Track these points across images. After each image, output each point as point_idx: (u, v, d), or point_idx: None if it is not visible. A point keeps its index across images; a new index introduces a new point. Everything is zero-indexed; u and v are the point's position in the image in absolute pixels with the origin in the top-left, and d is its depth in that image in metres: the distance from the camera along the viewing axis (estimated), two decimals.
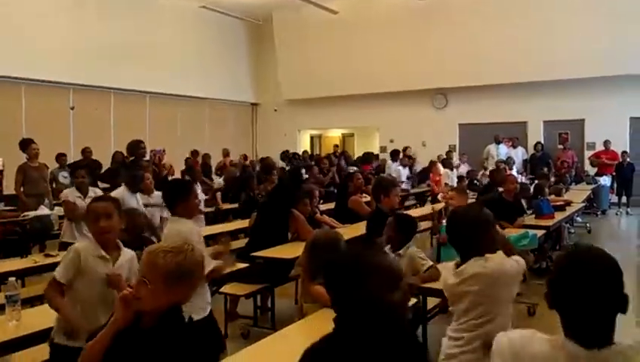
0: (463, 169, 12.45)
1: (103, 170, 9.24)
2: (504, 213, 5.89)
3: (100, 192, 5.46)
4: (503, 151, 13.26)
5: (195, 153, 12.16)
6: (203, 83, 14.77)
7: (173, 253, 1.86)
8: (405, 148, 12.92)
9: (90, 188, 5.44)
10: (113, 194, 4.90)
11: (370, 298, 1.39)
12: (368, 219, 4.95)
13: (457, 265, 2.37)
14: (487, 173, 10.39)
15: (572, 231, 8.97)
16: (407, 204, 9.96)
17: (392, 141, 14.88)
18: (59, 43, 11.25)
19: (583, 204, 8.74)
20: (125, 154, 8.16)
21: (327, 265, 1.51)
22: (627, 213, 11.76)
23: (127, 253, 2.77)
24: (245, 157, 13.69)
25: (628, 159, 12.01)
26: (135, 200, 5.26)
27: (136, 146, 7.39)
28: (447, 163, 11.98)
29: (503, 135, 13.50)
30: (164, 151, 10.53)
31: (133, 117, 13.30)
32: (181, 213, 3.27)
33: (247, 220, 6.07)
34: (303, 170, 8.96)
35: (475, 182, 9.94)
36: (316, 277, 3.16)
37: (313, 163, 10.32)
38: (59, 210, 6.26)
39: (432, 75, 13.92)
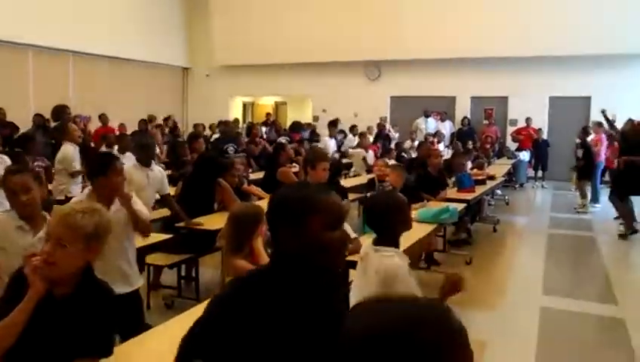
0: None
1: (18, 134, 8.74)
2: (428, 187, 6.11)
3: (7, 160, 5.09)
4: (431, 124, 13.62)
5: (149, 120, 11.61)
6: (134, 44, 14.12)
7: (89, 213, 1.86)
8: (335, 121, 12.95)
9: None
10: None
11: (313, 234, 1.38)
12: None
13: (375, 243, 2.51)
14: (415, 145, 10.64)
15: (492, 203, 9.40)
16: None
17: (324, 111, 14.94)
18: None
19: (503, 178, 9.17)
20: (48, 118, 7.74)
21: (275, 199, 1.49)
22: (542, 186, 12.46)
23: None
24: (174, 123, 13.32)
25: (544, 136, 12.71)
26: (145, 177, 4.75)
27: (61, 111, 7.00)
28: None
29: (432, 109, 13.84)
30: (89, 118, 10.05)
31: (55, 77, 12.55)
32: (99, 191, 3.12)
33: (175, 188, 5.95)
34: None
35: (403, 154, 10.16)
36: (238, 250, 3.15)
37: (243, 132, 10.17)
38: None
39: (365, 46, 14.01)
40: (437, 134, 12.38)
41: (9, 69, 11.49)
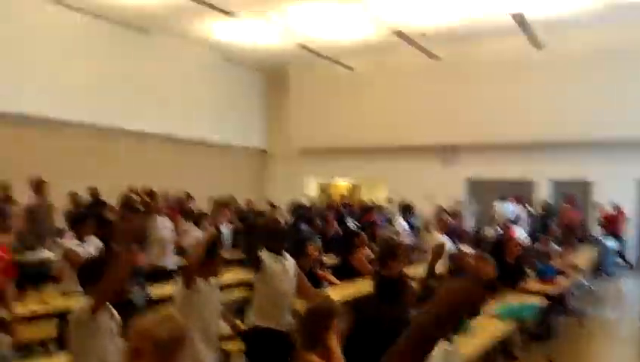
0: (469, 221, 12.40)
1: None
2: (506, 276, 5.84)
3: (98, 242, 5.36)
4: (509, 209, 13.22)
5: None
6: (216, 128, 15.09)
7: (163, 322, 1.91)
8: (407, 204, 12.87)
9: (89, 237, 5.34)
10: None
11: None
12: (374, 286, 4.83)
13: None
14: (493, 231, 10.34)
15: (576, 294, 8.84)
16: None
17: (398, 194, 14.93)
18: (77, 86, 11.60)
19: (588, 268, 8.65)
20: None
21: None
22: (632, 276, 11.61)
23: None
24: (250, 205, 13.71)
25: (632, 223, 11.99)
26: (282, 267, 4.31)
27: (151, 195, 7.47)
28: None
29: (509, 193, 13.50)
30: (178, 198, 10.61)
31: (146, 159, 13.49)
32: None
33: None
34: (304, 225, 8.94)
35: (480, 238, 9.86)
36: (312, 346, 3.11)
37: (317, 215, 10.33)
38: (58, 253, 6.26)
39: (441, 130, 14.18)
40: (515, 220, 11.98)
41: (107, 150, 12.52)
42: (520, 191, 13.66)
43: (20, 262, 5.70)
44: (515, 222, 11.72)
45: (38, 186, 7.49)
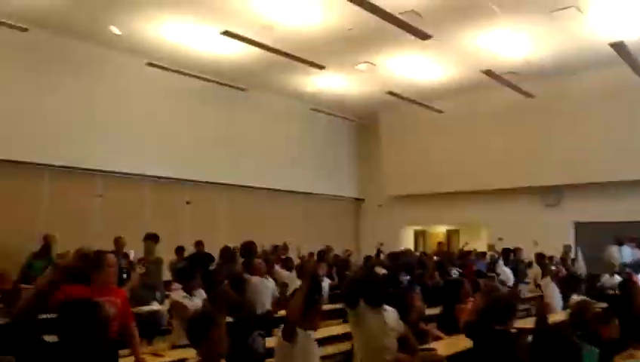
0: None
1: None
2: (635, 332, 5.29)
3: (204, 294, 5.51)
4: (626, 253, 12.18)
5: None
6: (310, 178, 15.38)
7: None
8: (509, 249, 12.22)
9: (198, 291, 5.50)
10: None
11: None
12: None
13: None
14: (614, 279, 9.49)
15: None
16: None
17: (500, 239, 14.23)
18: (178, 144, 12.31)
19: None
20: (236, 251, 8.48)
21: None
22: None
23: None
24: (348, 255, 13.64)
25: None
26: (380, 320, 4.19)
27: (249, 248, 7.67)
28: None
29: (625, 235, 12.47)
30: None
31: (242, 211, 13.96)
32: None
33: None
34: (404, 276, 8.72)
35: (597, 288, 9.11)
36: None
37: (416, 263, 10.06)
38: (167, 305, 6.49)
39: (542, 171, 13.50)
40: (635, 264, 11.00)
41: (207, 204, 13.08)
42: (635, 233, 12.58)
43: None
44: (633, 267, 10.77)
45: (151, 241, 7.88)
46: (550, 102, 13.45)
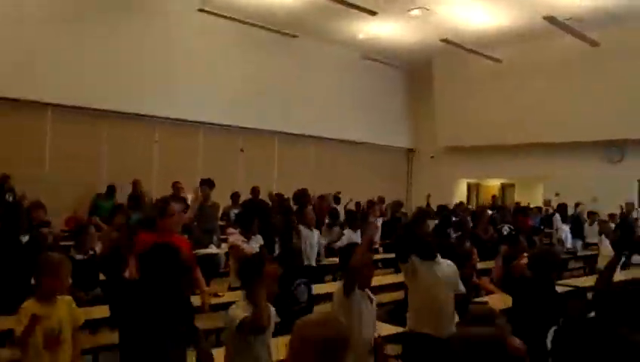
0: None
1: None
2: None
3: (260, 239, 5.66)
4: None
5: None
6: (360, 127, 15.23)
7: (324, 323, 1.87)
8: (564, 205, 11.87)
9: (254, 237, 5.64)
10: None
11: None
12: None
13: None
14: None
15: None
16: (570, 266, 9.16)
17: (557, 194, 13.86)
18: (231, 91, 12.37)
19: None
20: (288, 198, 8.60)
21: None
22: None
23: None
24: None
25: None
26: (432, 274, 4.05)
27: (302, 195, 7.77)
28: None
29: None
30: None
31: (295, 159, 14.08)
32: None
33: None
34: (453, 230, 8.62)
35: None
36: None
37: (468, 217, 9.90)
38: (225, 248, 6.70)
39: (605, 125, 12.85)
40: None
41: (259, 152, 13.25)
42: None
43: None
44: None
45: (207, 187, 8.07)
46: (615, 52, 12.63)
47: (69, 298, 3.16)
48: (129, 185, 9.97)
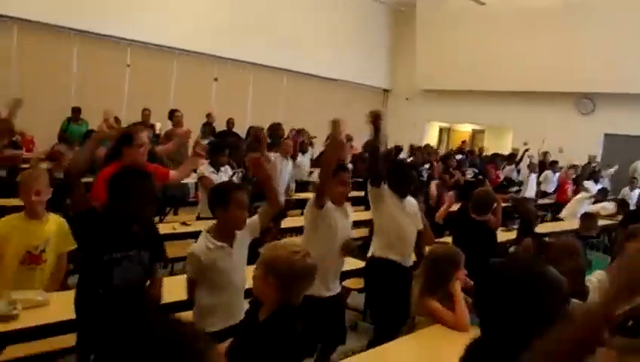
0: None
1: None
2: None
3: (229, 171, 5.66)
4: None
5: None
6: (336, 64, 14.98)
7: (292, 253, 1.99)
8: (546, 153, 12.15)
9: (224, 167, 5.66)
10: None
11: (547, 312, 1.43)
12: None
13: None
14: (635, 192, 9.48)
15: None
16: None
17: (525, 143, 14.06)
18: (204, 19, 11.96)
19: None
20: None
21: (499, 277, 1.55)
22: None
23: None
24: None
25: None
26: (401, 210, 4.10)
27: (276, 128, 7.74)
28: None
29: None
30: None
31: (269, 92, 13.87)
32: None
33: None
34: (426, 167, 8.78)
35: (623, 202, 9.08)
36: (433, 292, 3.11)
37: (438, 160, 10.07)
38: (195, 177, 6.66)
39: (579, 77, 12.96)
40: None
41: (233, 82, 12.99)
42: None
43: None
44: None
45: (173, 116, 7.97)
46: (596, 4, 12.57)
47: (62, 219, 3.12)
48: (99, 109, 9.69)
